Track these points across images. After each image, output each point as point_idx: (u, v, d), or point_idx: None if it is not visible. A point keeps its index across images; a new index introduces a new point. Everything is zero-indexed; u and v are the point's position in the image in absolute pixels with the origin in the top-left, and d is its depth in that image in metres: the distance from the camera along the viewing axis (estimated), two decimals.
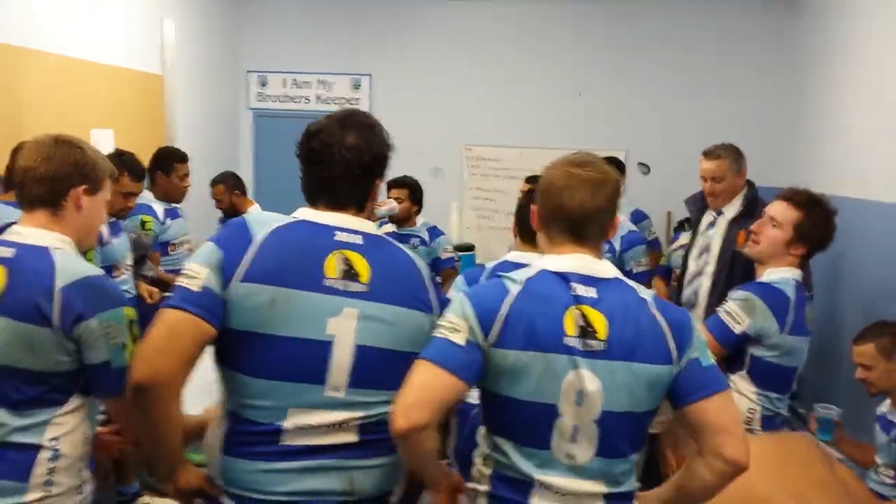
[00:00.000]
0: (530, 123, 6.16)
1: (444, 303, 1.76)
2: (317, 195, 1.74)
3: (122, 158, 3.41)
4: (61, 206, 1.85)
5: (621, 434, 1.62)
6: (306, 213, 1.73)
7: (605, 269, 1.69)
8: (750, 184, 3.45)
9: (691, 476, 1.66)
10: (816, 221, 2.55)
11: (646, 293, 1.68)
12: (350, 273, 1.66)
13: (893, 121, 3.92)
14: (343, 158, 1.70)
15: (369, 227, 1.76)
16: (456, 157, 6.26)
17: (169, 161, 4.12)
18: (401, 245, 1.83)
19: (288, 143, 6.75)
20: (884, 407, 2.64)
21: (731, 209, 3.41)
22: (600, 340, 1.59)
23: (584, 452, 1.61)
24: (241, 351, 1.64)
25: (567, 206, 1.66)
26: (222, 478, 1.69)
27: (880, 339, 2.65)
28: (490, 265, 2.46)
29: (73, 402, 1.83)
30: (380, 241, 1.75)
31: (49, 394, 1.78)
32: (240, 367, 1.64)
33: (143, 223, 3.86)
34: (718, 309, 2.56)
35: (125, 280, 3.46)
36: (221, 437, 1.69)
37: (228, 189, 4.63)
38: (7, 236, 1.84)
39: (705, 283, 3.38)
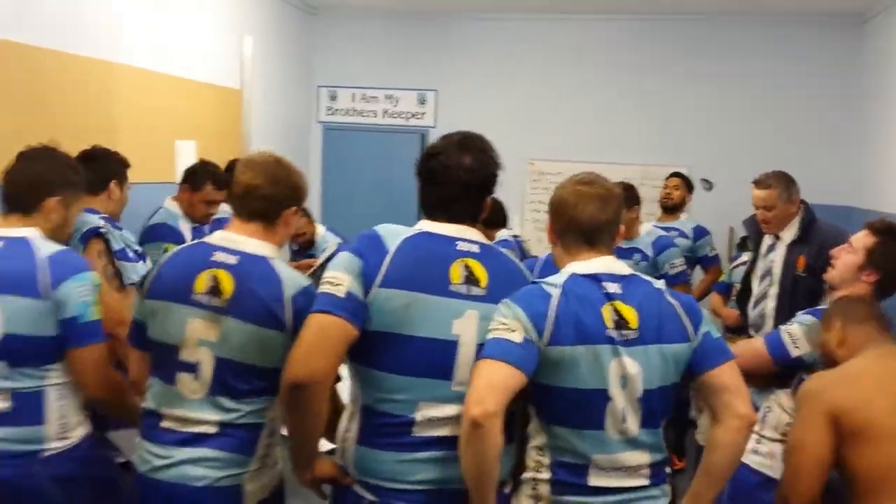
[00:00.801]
0: (593, 139, 6.23)
1: None
2: (436, 211, 1.94)
3: (206, 168, 3.63)
4: (275, 222, 2.06)
5: (658, 407, 1.85)
6: (428, 226, 1.92)
7: (623, 267, 1.91)
8: (806, 206, 3.48)
9: (714, 447, 1.84)
10: (889, 249, 2.54)
11: (659, 284, 1.91)
12: (471, 279, 1.85)
13: None
14: (460, 179, 1.89)
15: (482, 237, 1.95)
16: (518, 171, 6.36)
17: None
18: (505, 251, 2.01)
19: (355, 155, 7.11)
20: None
21: (789, 234, 3.44)
22: (633, 329, 1.80)
23: (632, 428, 1.81)
24: (378, 350, 1.82)
25: (579, 218, 1.89)
26: (356, 468, 1.88)
27: None
28: (541, 257, 2.74)
29: None
30: (491, 249, 1.94)
31: (271, 385, 1.97)
32: (377, 365, 1.83)
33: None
34: (782, 327, 2.57)
35: None
36: (357, 429, 1.87)
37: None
38: (225, 243, 2.02)
39: (770, 305, 3.43)
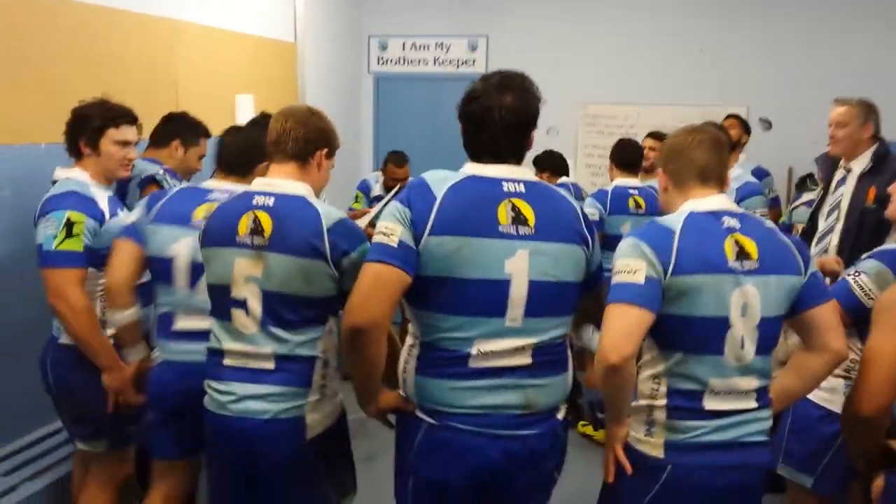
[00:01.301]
0: (647, 80, 6.14)
1: (592, 232, 2.01)
2: (480, 152, 1.98)
3: (267, 120, 3.68)
4: (308, 162, 2.21)
5: (772, 335, 1.96)
6: (474, 169, 1.97)
7: (735, 206, 2.05)
8: (881, 140, 3.41)
9: (803, 369, 2.00)
10: None
11: (769, 223, 2.04)
12: (519, 218, 1.90)
13: None
14: (502, 119, 1.92)
15: (529, 174, 1.99)
16: (571, 115, 6.33)
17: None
18: (555, 187, 2.05)
19: (407, 104, 7.19)
20: None
21: (859, 164, 3.37)
22: (754, 260, 1.90)
23: (748, 355, 1.91)
24: (433, 293, 1.90)
25: (695, 158, 2.01)
26: (417, 396, 1.98)
27: None
28: (609, 187, 3.31)
29: (331, 322, 2.19)
30: (539, 186, 1.98)
31: (319, 315, 2.15)
32: (433, 307, 1.91)
33: None
34: (850, 279, 2.46)
35: None
36: (415, 362, 1.97)
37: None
38: (263, 188, 2.19)
39: (834, 241, 3.37)
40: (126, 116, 2.72)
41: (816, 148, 4.42)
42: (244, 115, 4.65)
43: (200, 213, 2.44)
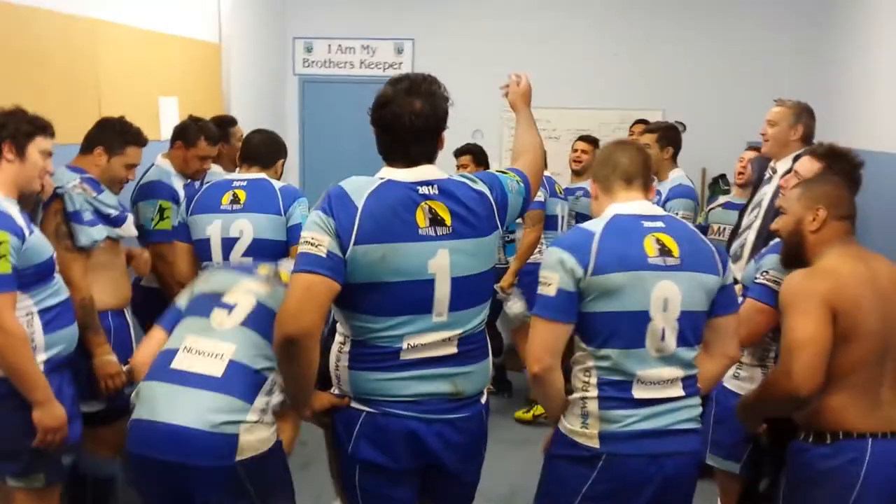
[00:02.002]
0: (570, 84, 6.30)
1: (504, 212, 2.15)
2: (393, 157, 2.06)
3: (198, 124, 3.68)
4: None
5: (692, 329, 2.07)
6: (389, 173, 2.04)
7: (659, 210, 2.16)
8: (810, 144, 3.43)
9: (703, 371, 2.14)
10: (838, 173, 2.58)
11: (692, 226, 2.15)
12: (436, 220, 2.00)
13: None
14: (413, 124, 1.99)
15: (441, 174, 2.07)
16: (496, 118, 6.46)
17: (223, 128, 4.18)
18: (465, 180, 2.11)
19: (333, 107, 7.18)
20: None
21: (783, 165, 3.45)
22: (675, 257, 2.03)
23: (669, 346, 2.02)
24: (362, 298, 1.98)
25: (620, 162, 2.16)
26: (352, 389, 2.07)
27: None
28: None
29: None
30: (449, 184, 2.06)
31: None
32: (362, 309, 2.00)
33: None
34: (761, 280, 2.54)
35: None
36: (347, 358, 2.06)
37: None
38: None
39: (750, 237, 3.43)
40: (50, 128, 2.64)
41: (729, 149, 4.66)
42: (169, 118, 4.60)
43: (226, 199, 3.06)
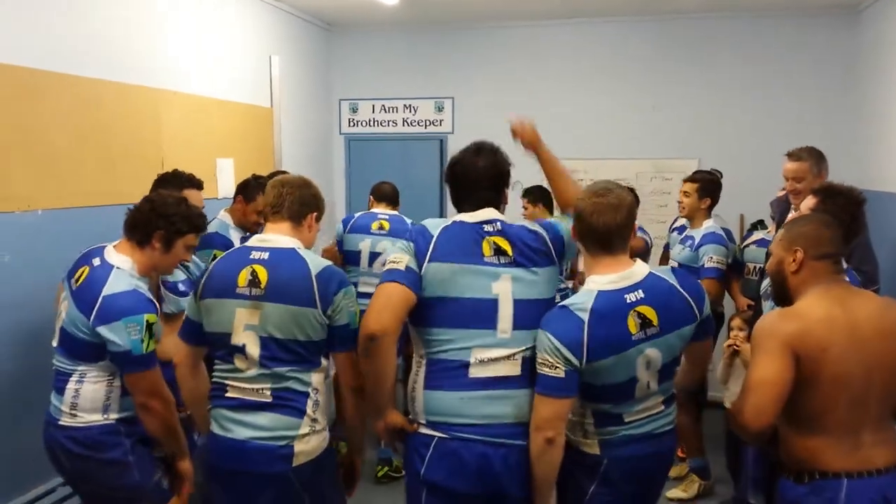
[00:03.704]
0: (607, 136, 6.50)
1: (560, 253, 2.40)
2: (463, 204, 2.41)
3: (258, 181, 3.91)
4: (301, 223, 2.53)
5: (670, 371, 2.38)
6: (459, 216, 2.39)
7: (640, 270, 2.30)
8: None
9: (682, 375, 2.49)
10: (826, 206, 2.70)
11: (667, 273, 2.35)
12: (499, 251, 2.30)
13: None
14: (477, 176, 2.38)
15: (501, 216, 2.39)
16: (536, 170, 6.62)
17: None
18: (523, 223, 2.43)
19: (377, 163, 7.51)
20: None
21: (807, 205, 3.61)
22: (655, 327, 2.24)
23: (653, 390, 2.32)
24: (435, 311, 2.27)
25: (595, 226, 2.26)
26: (425, 411, 2.30)
27: None
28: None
29: (325, 363, 2.48)
30: (511, 225, 2.37)
31: (311, 356, 2.43)
32: (435, 323, 2.28)
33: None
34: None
35: None
36: (423, 377, 2.30)
37: None
38: (259, 243, 2.48)
39: None
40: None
41: (765, 195, 4.75)
42: (225, 178, 4.88)
43: (375, 226, 4.65)
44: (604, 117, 6.52)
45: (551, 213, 5.26)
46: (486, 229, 2.35)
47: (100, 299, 2.53)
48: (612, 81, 6.52)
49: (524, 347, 2.29)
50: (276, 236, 2.47)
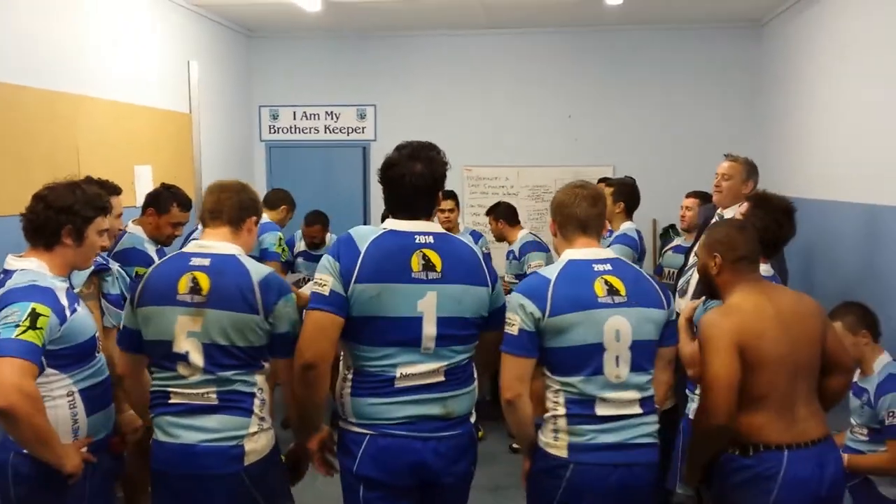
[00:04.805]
0: (526, 145, 6.68)
1: (494, 276, 2.39)
2: (397, 210, 2.36)
3: (171, 191, 3.76)
4: (240, 227, 2.48)
5: (645, 356, 2.35)
6: (392, 224, 2.34)
7: (609, 252, 2.45)
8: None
9: (657, 383, 2.45)
10: (757, 214, 2.81)
11: (637, 267, 2.47)
12: (428, 265, 2.28)
13: (850, 128, 4.43)
14: (413, 184, 2.31)
15: (436, 227, 2.37)
16: (456, 177, 6.74)
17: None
18: (458, 237, 2.43)
19: (299, 170, 7.51)
20: (854, 377, 3.02)
21: (730, 213, 3.77)
22: (623, 296, 2.31)
23: (624, 373, 2.30)
24: (361, 330, 2.26)
25: (576, 213, 2.40)
26: (354, 414, 2.32)
27: (846, 317, 3.08)
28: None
29: (266, 366, 2.43)
30: (445, 237, 2.35)
31: (253, 360, 2.39)
32: (361, 340, 2.28)
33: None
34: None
35: None
36: (350, 386, 2.31)
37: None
38: (199, 249, 2.40)
39: (695, 275, 3.79)
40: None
41: (675, 201, 4.97)
42: (143, 185, 4.79)
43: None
44: (523, 126, 6.69)
45: (511, 224, 5.37)
46: (417, 241, 2.29)
47: None
48: (530, 91, 6.70)
49: (447, 363, 2.31)
50: (216, 242, 2.43)
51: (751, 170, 3.79)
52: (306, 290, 4.50)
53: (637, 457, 2.33)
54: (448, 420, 2.34)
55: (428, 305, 2.26)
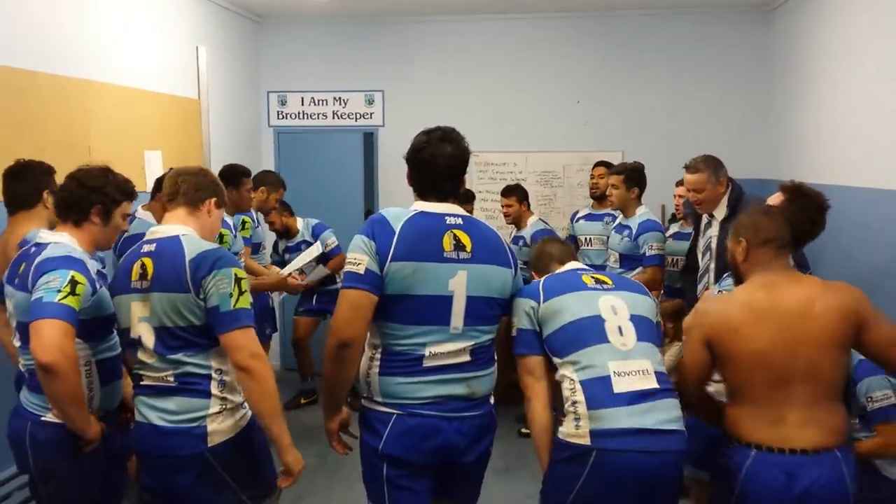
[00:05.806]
0: (534, 130, 6.67)
1: (516, 260, 2.52)
2: (427, 192, 2.43)
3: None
4: (198, 208, 2.56)
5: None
6: (422, 206, 2.41)
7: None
8: (733, 184, 3.76)
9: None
10: (795, 205, 2.79)
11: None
12: (459, 245, 2.35)
13: (863, 113, 4.41)
14: (446, 165, 2.38)
15: (463, 211, 2.45)
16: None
17: (237, 177, 4.56)
18: (483, 221, 2.52)
19: (307, 155, 7.57)
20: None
21: (720, 212, 3.75)
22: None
23: (629, 340, 2.37)
24: (394, 307, 2.32)
25: (553, 253, 2.81)
26: (381, 393, 2.38)
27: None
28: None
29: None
30: (472, 219, 2.45)
31: (204, 339, 2.40)
32: (394, 318, 2.33)
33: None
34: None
35: None
36: (378, 365, 2.37)
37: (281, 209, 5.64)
38: (149, 236, 2.49)
39: (711, 279, 3.75)
40: (136, 193, 2.77)
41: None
42: (153, 169, 4.81)
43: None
44: (531, 111, 6.68)
45: (528, 208, 5.59)
46: (448, 222, 2.38)
47: (32, 268, 2.47)
48: (539, 76, 6.68)
49: (474, 342, 2.40)
50: (168, 226, 2.52)
51: (715, 168, 3.73)
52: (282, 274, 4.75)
53: (663, 444, 2.27)
54: (471, 400, 2.41)
55: (458, 284, 2.34)
